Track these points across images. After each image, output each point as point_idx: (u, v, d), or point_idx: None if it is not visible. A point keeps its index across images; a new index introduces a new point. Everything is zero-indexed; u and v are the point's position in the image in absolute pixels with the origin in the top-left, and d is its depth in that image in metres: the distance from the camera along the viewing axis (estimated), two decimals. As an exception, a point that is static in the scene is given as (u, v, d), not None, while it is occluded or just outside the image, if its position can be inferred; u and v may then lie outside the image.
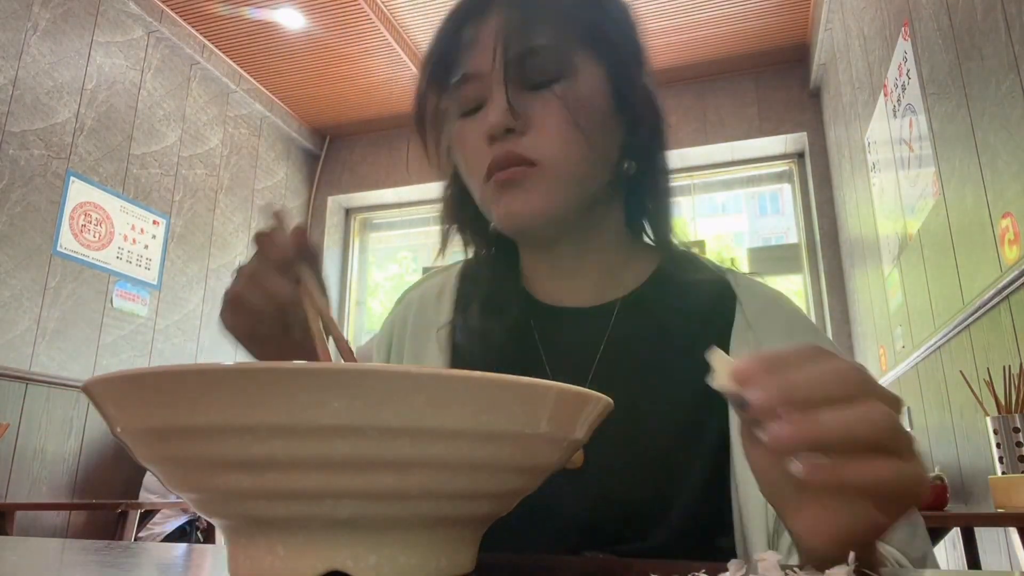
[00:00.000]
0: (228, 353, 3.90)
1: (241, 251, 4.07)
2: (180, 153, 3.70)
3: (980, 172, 1.76)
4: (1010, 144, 1.59)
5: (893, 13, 2.42)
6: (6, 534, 2.36)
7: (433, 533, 0.28)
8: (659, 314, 0.61)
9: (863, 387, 0.30)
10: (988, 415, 1.54)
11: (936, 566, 0.50)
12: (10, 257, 2.76)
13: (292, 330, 0.54)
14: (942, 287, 2.11)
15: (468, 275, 0.71)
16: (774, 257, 4.18)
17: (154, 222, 3.48)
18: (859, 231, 3.22)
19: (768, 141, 3.95)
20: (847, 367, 0.31)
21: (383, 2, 3.50)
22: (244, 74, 4.06)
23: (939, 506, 1.60)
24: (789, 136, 3.92)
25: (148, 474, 3.08)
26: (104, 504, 2.47)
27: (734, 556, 0.36)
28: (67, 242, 3.01)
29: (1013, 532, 1.68)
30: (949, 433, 2.14)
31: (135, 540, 2.53)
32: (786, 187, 4.17)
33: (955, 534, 2.01)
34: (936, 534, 1.87)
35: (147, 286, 3.41)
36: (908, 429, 0.32)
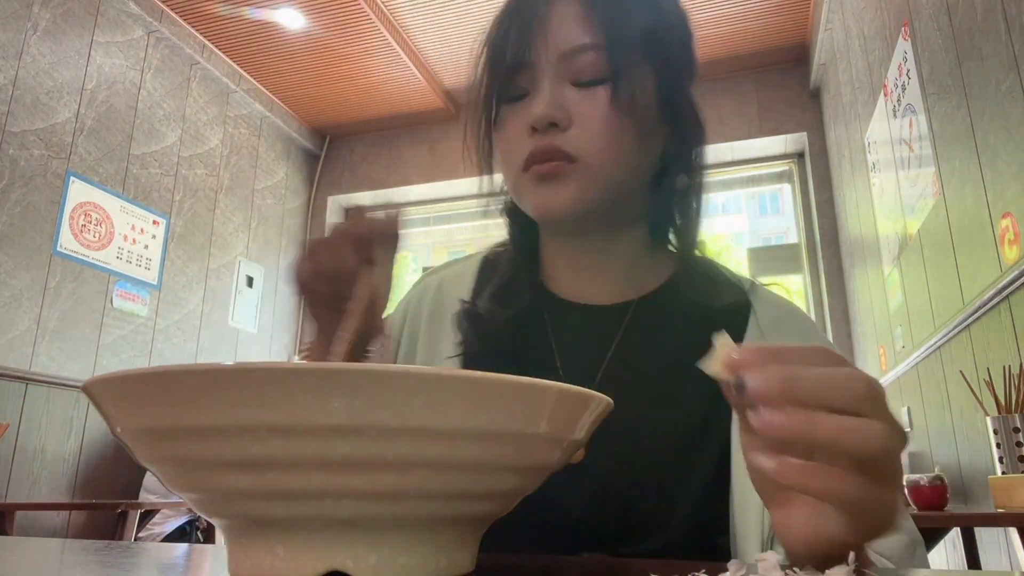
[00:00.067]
0: (228, 353, 3.90)
1: (241, 251, 4.07)
2: (180, 153, 3.70)
3: (980, 172, 1.76)
4: (1010, 144, 1.58)
5: (893, 13, 2.42)
6: (6, 534, 2.36)
7: (433, 533, 0.28)
8: (673, 317, 0.61)
9: (870, 404, 0.29)
10: (988, 415, 1.54)
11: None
12: (10, 257, 2.76)
13: (341, 302, 0.53)
14: (942, 287, 2.11)
15: (490, 263, 0.71)
16: (774, 257, 4.18)
17: (154, 222, 3.48)
18: (859, 231, 3.22)
19: (768, 141, 3.95)
20: (860, 378, 0.30)
21: (383, 2, 3.50)
22: (244, 74, 4.06)
23: (939, 506, 1.60)
24: (789, 136, 3.92)
25: (148, 474, 3.08)
26: (104, 504, 2.47)
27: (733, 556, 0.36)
28: (67, 242, 3.01)
29: (1013, 532, 1.68)
30: (949, 433, 2.14)
31: (135, 540, 2.53)
32: (786, 187, 4.17)
33: (955, 534, 2.01)
34: (936, 534, 1.87)
35: (147, 286, 3.41)
36: (900, 458, 0.32)
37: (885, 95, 2.59)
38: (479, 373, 0.25)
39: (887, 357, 2.86)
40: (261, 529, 0.27)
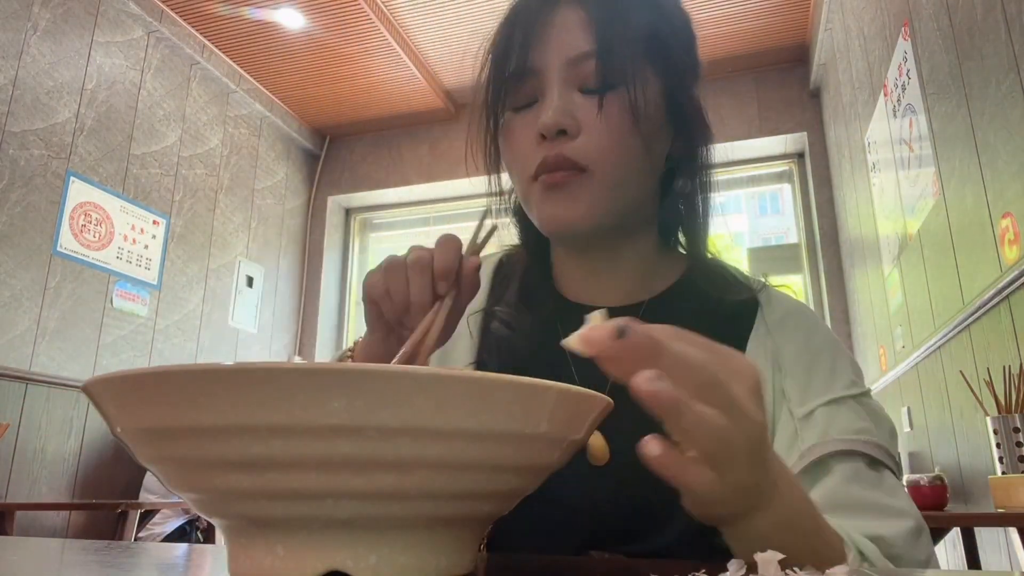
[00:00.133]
0: (228, 353, 3.91)
1: (241, 251, 4.07)
2: (180, 153, 3.70)
3: (980, 172, 1.76)
4: (1010, 144, 1.59)
5: (893, 13, 2.42)
6: (6, 534, 2.36)
7: (433, 533, 0.28)
8: (683, 316, 0.61)
9: (714, 393, 0.30)
10: (988, 415, 1.54)
11: (937, 566, 0.50)
12: (10, 257, 2.76)
13: (400, 328, 0.52)
14: (942, 287, 2.11)
15: (505, 267, 0.71)
16: (774, 257, 4.18)
17: (154, 222, 3.48)
18: (859, 231, 3.22)
19: (768, 141, 3.95)
20: (705, 366, 0.30)
21: (383, 2, 3.50)
22: (244, 74, 4.06)
23: (939, 506, 1.60)
24: (789, 136, 3.92)
25: (148, 474, 3.08)
26: (104, 504, 2.47)
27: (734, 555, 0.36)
28: (67, 242, 3.01)
29: (1013, 532, 1.68)
30: (949, 433, 2.14)
31: (135, 540, 2.53)
32: (786, 187, 4.17)
33: (955, 534, 2.01)
34: (936, 534, 1.87)
35: (147, 286, 3.41)
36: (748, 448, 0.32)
37: (885, 95, 2.59)
38: (479, 373, 0.25)
39: (887, 357, 2.86)
40: (261, 529, 0.27)
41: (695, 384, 0.29)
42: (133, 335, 3.30)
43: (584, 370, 0.60)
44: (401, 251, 0.51)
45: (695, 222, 0.64)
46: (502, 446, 0.27)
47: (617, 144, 0.55)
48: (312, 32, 3.67)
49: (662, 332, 0.31)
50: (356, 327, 4.73)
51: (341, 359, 0.58)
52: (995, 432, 1.49)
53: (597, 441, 0.53)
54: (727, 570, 0.27)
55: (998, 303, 1.69)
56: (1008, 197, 1.61)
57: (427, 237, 4.95)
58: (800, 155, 4.06)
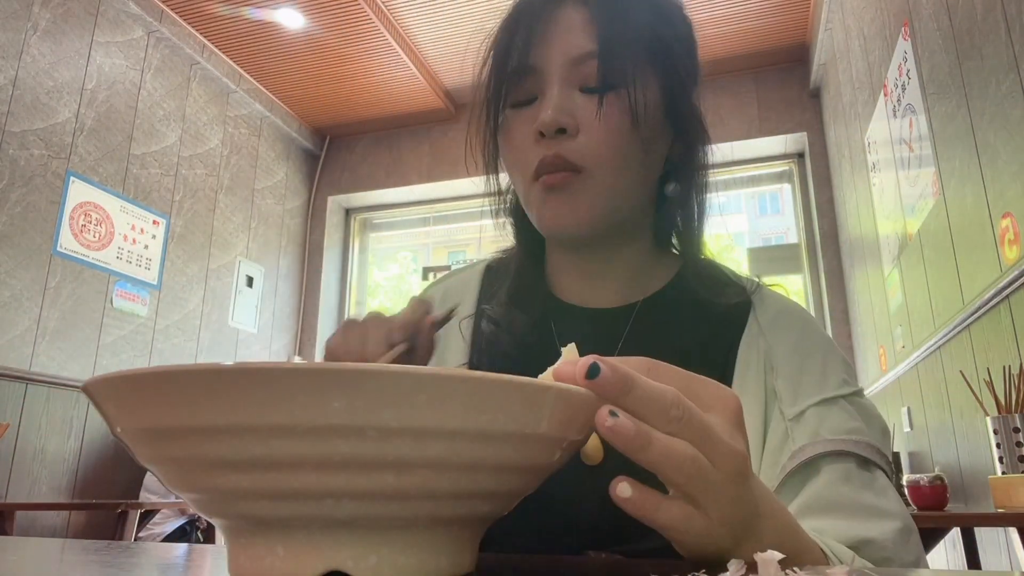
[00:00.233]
0: (228, 353, 3.91)
1: (241, 251, 4.07)
2: (180, 153, 3.70)
3: (980, 172, 1.76)
4: (1010, 144, 1.59)
5: (893, 13, 2.42)
6: (6, 534, 2.36)
7: (433, 533, 0.28)
8: (676, 316, 0.62)
9: (683, 428, 0.29)
10: (988, 415, 1.54)
11: (926, 567, 0.50)
12: (10, 257, 2.76)
13: None
14: (942, 287, 2.11)
15: (494, 271, 0.71)
16: (774, 257, 4.19)
17: (154, 222, 3.48)
18: (859, 231, 3.22)
19: (768, 141, 3.95)
20: (675, 401, 0.29)
21: (383, 2, 3.50)
22: (244, 74, 4.06)
23: (939, 506, 1.60)
24: (789, 136, 3.92)
25: (148, 474, 3.08)
26: (104, 504, 2.47)
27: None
28: (67, 242, 3.01)
29: (1013, 532, 1.68)
30: (949, 433, 2.14)
31: (135, 540, 2.53)
32: (786, 187, 4.18)
33: (955, 534, 2.01)
34: (936, 534, 1.87)
35: (147, 286, 3.41)
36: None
37: (885, 95, 2.59)
38: (479, 373, 0.25)
39: (887, 357, 2.86)
40: (261, 529, 0.27)
41: (668, 419, 0.29)
42: (133, 335, 3.31)
43: None
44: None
45: (690, 224, 0.65)
46: (502, 446, 0.27)
47: (615, 145, 0.56)
48: (312, 32, 3.67)
49: (636, 364, 0.31)
50: (356, 327, 4.73)
51: None
52: (995, 432, 1.49)
53: (592, 440, 0.53)
54: (727, 570, 0.27)
55: (998, 303, 1.69)
56: (1008, 197, 1.61)
57: (427, 237, 4.95)
58: (800, 155, 4.06)
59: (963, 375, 1.87)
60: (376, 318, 0.54)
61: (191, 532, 2.99)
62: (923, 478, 1.62)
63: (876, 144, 2.78)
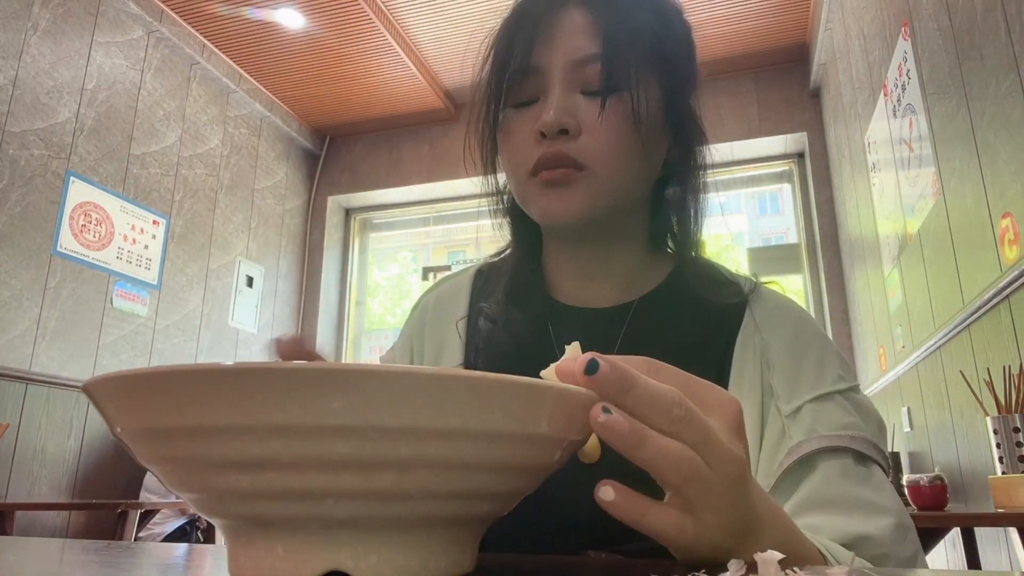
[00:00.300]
0: (228, 353, 3.91)
1: (241, 251, 4.07)
2: (180, 153, 3.70)
3: (980, 172, 1.76)
4: (1010, 144, 1.59)
5: (893, 13, 2.42)
6: (6, 534, 2.36)
7: (433, 533, 0.28)
8: (672, 315, 0.62)
9: (685, 428, 0.29)
10: (988, 415, 1.54)
11: (925, 566, 0.50)
12: (10, 257, 2.76)
13: None
14: (942, 287, 2.11)
15: (484, 274, 0.72)
16: (774, 257, 4.19)
17: (154, 222, 3.48)
18: (859, 231, 3.22)
19: (768, 141, 3.95)
20: (677, 401, 0.29)
21: (383, 2, 3.50)
22: (244, 74, 4.06)
23: (939, 506, 1.60)
24: (789, 136, 3.92)
25: (148, 474, 3.08)
26: (104, 504, 2.47)
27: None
28: (67, 242, 3.01)
29: (1013, 532, 1.68)
30: (949, 433, 2.14)
31: (135, 540, 2.53)
32: (786, 187, 4.18)
33: (955, 534, 2.01)
34: (936, 534, 1.87)
35: (147, 286, 3.41)
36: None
37: (885, 95, 2.59)
38: (479, 373, 0.25)
39: (887, 357, 2.86)
40: (261, 529, 0.27)
41: (668, 419, 0.29)
42: (133, 335, 3.31)
43: None
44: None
45: (686, 224, 0.65)
46: (502, 446, 0.27)
47: (617, 147, 0.56)
48: (312, 32, 3.67)
49: (638, 364, 0.30)
50: (355, 327, 4.74)
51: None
52: (995, 432, 1.49)
53: (590, 439, 0.53)
54: (727, 570, 0.27)
55: (998, 303, 1.69)
56: (1008, 197, 1.61)
57: (427, 237, 4.95)
58: (800, 155, 4.06)
59: (963, 375, 1.87)
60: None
61: (191, 532, 2.99)
62: (923, 478, 1.62)
63: (876, 144, 2.78)
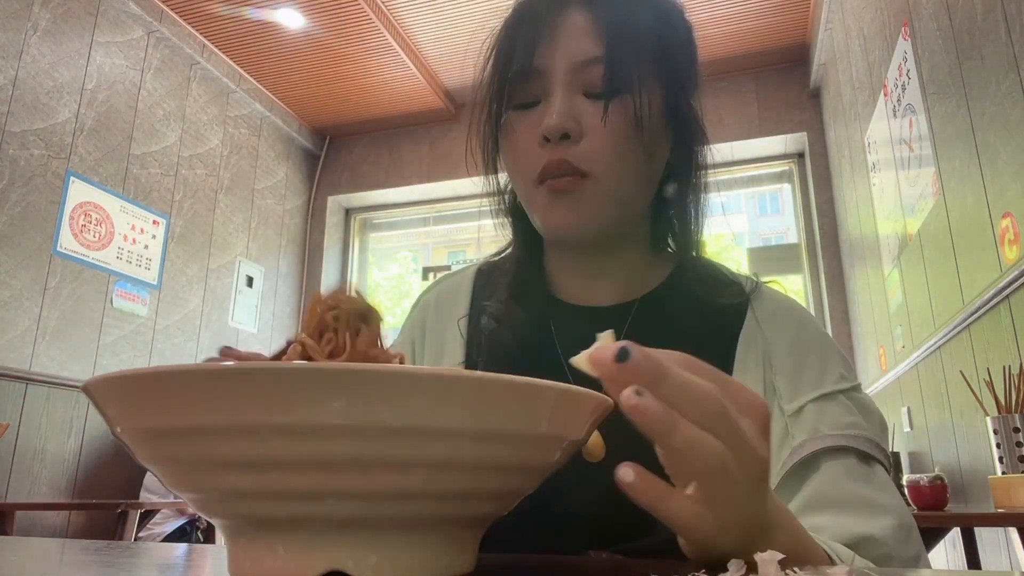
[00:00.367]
0: (228, 353, 3.90)
1: (241, 251, 4.07)
2: (180, 153, 3.70)
3: (980, 172, 1.76)
4: (1010, 144, 1.58)
5: (893, 13, 2.42)
6: (6, 534, 2.36)
7: (433, 533, 0.28)
8: (674, 313, 0.62)
9: (720, 424, 0.29)
10: (988, 415, 1.54)
11: (928, 565, 0.50)
12: (10, 257, 2.76)
13: None
14: (942, 287, 2.11)
15: (485, 272, 0.72)
16: (774, 257, 4.18)
17: (154, 222, 3.48)
18: (859, 231, 3.22)
19: (768, 141, 3.95)
20: (712, 395, 0.29)
21: (383, 2, 3.50)
22: (244, 74, 4.06)
23: (939, 506, 1.60)
24: (789, 136, 3.92)
25: (148, 474, 3.08)
26: (104, 504, 2.47)
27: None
28: (67, 242, 3.01)
29: (1013, 532, 1.68)
30: (949, 433, 2.14)
31: (135, 540, 2.53)
32: (786, 187, 4.17)
33: (955, 534, 2.01)
34: (936, 534, 1.87)
35: (147, 286, 3.41)
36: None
37: (885, 95, 2.59)
38: (479, 373, 0.25)
39: (887, 357, 2.86)
40: (261, 529, 0.27)
41: (700, 412, 0.29)
42: (133, 335, 3.30)
43: (577, 370, 0.61)
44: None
45: (687, 224, 0.65)
46: (502, 446, 0.27)
47: (619, 150, 0.56)
48: (312, 32, 3.67)
49: (677, 359, 0.30)
50: (356, 327, 4.73)
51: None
52: (995, 432, 1.49)
53: (593, 437, 0.53)
54: (727, 570, 0.27)
55: (998, 303, 1.69)
56: (1008, 197, 1.61)
57: (427, 237, 4.95)
58: (800, 155, 4.06)
59: (963, 375, 1.87)
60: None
61: (191, 532, 2.98)
62: (923, 478, 1.62)
63: (876, 144, 2.77)
